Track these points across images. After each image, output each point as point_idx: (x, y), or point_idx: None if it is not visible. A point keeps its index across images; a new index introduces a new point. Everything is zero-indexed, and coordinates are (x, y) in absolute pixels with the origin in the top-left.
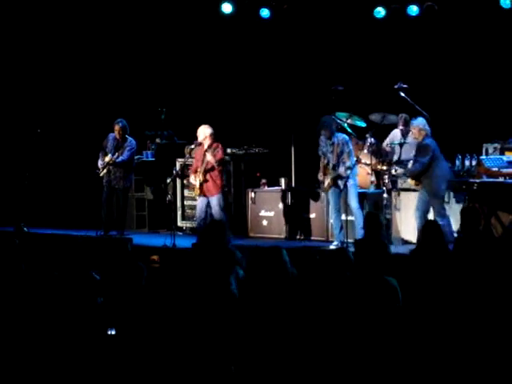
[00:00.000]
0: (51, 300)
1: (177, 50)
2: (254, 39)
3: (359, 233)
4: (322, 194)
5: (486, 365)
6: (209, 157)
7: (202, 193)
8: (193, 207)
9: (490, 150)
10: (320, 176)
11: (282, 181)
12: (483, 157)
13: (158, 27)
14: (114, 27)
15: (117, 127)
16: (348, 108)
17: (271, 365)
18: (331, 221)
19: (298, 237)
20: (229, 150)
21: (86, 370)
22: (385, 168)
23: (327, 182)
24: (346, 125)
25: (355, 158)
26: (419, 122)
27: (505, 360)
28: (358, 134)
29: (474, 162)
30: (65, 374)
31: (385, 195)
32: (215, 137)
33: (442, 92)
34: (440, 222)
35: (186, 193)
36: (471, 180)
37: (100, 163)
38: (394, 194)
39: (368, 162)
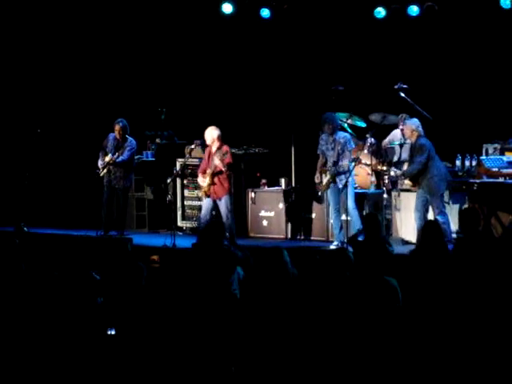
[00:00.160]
0: (51, 300)
1: (177, 50)
2: (254, 39)
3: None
4: (323, 195)
5: (486, 365)
6: (216, 161)
7: (210, 194)
8: (193, 207)
9: (490, 151)
10: (316, 178)
11: (282, 181)
12: (483, 157)
13: (158, 27)
14: (114, 27)
15: (117, 127)
16: (348, 108)
17: (271, 365)
18: (331, 221)
19: (298, 237)
20: None
21: (85, 370)
22: (385, 168)
23: (326, 180)
24: (346, 125)
25: (353, 163)
26: (412, 123)
27: (505, 360)
28: (358, 135)
29: (474, 163)
30: (65, 373)
31: (385, 195)
32: (222, 138)
33: (442, 92)
34: (441, 220)
35: (186, 193)
36: (471, 180)
37: (100, 163)
38: (394, 194)
39: (368, 162)
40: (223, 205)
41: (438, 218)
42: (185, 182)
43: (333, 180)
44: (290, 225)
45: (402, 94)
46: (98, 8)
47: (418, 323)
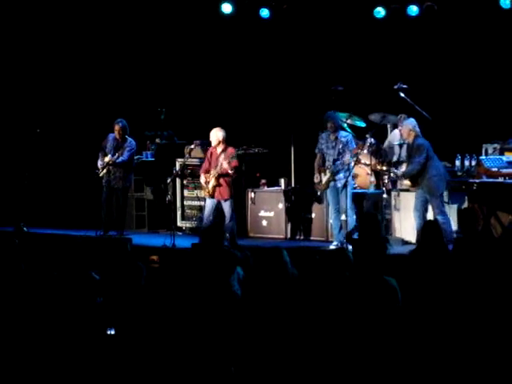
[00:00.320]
0: (51, 300)
1: (177, 50)
2: (254, 39)
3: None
4: (322, 195)
5: (486, 365)
6: (225, 165)
7: (214, 195)
8: (192, 207)
9: (490, 151)
10: (316, 178)
11: (282, 181)
12: (483, 157)
13: (158, 27)
14: (113, 27)
15: (117, 127)
16: (348, 108)
17: (271, 365)
18: (331, 221)
19: (297, 237)
20: None
21: (85, 370)
22: (384, 168)
23: (326, 178)
24: (345, 125)
25: (355, 158)
26: (409, 123)
27: (504, 360)
28: (358, 135)
29: (473, 163)
30: (64, 373)
31: (384, 195)
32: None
33: (442, 92)
34: (441, 220)
35: (186, 193)
36: (471, 180)
37: (99, 163)
38: (393, 194)
39: (368, 162)
40: (228, 206)
41: (439, 217)
42: (184, 182)
43: (333, 178)
44: (289, 225)
45: (402, 94)
46: (98, 8)
47: (417, 323)
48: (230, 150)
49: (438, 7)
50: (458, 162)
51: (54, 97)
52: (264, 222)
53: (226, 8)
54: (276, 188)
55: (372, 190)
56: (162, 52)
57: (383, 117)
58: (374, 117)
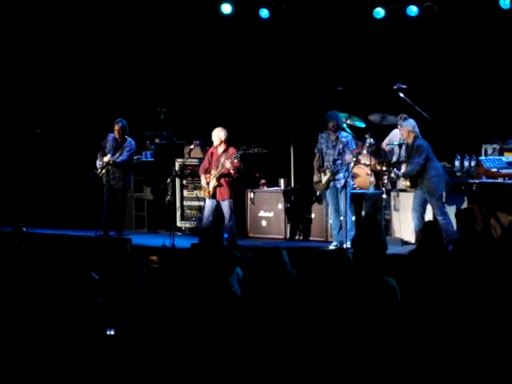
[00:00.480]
0: (50, 300)
1: (176, 50)
2: (254, 39)
3: (350, 234)
4: (322, 195)
5: (486, 365)
6: (228, 164)
7: (214, 195)
8: (192, 207)
9: (490, 151)
10: (316, 176)
11: (282, 181)
12: (482, 157)
13: (157, 27)
14: (113, 27)
15: (116, 127)
16: (347, 108)
17: (270, 365)
18: (330, 221)
19: (297, 237)
20: None
21: (85, 370)
22: (384, 169)
23: (325, 178)
24: (345, 125)
25: (355, 159)
26: (408, 124)
27: (504, 360)
28: (358, 135)
29: (473, 163)
30: (64, 373)
31: (384, 196)
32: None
33: (442, 93)
34: (443, 221)
35: (186, 193)
36: (470, 181)
37: (98, 163)
38: (393, 194)
39: (367, 162)
40: (227, 206)
41: (440, 218)
42: (184, 182)
43: (333, 178)
44: (289, 225)
45: (402, 95)
46: (98, 8)
47: (416, 323)
48: (232, 150)
49: (437, 7)
50: (457, 163)
51: (54, 97)
52: (263, 223)
53: (226, 8)
54: (275, 188)
55: (371, 190)
56: (162, 52)
57: (383, 117)
58: (374, 117)
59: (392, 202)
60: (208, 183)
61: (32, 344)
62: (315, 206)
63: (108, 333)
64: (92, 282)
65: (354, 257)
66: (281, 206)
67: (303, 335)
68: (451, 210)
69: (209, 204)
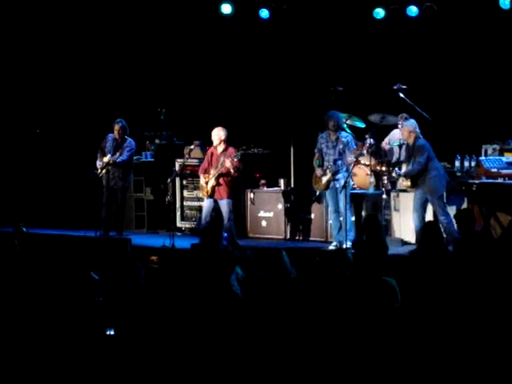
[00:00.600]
0: (50, 300)
1: (176, 50)
2: (254, 40)
3: (349, 234)
4: (321, 195)
5: (486, 365)
6: (228, 163)
7: (212, 195)
8: (192, 208)
9: (490, 151)
10: (318, 172)
11: (282, 181)
12: (482, 158)
13: (157, 27)
14: (113, 27)
15: (116, 127)
16: (347, 109)
17: (270, 365)
18: (330, 222)
19: (297, 237)
20: None
21: (84, 370)
22: (384, 169)
23: (326, 178)
24: (345, 125)
25: (355, 159)
26: (409, 124)
27: (504, 360)
28: (358, 135)
29: (473, 163)
30: (64, 373)
31: (384, 196)
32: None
33: (442, 93)
34: (445, 221)
35: (186, 193)
36: (470, 181)
37: (98, 164)
38: (393, 195)
39: (367, 162)
40: (225, 206)
41: (442, 218)
42: (184, 182)
43: (333, 178)
44: (289, 225)
45: (401, 95)
46: (98, 8)
47: (417, 324)
48: (231, 150)
49: (437, 8)
50: (457, 163)
51: (54, 97)
52: (263, 223)
53: (226, 8)
54: (275, 188)
55: (371, 190)
56: (162, 52)
57: (383, 117)
58: (374, 117)
59: (392, 203)
60: (207, 182)
61: (32, 344)
62: (315, 207)
63: (108, 333)
64: (92, 282)
65: (355, 258)
66: (281, 206)
67: (303, 335)
68: (451, 210)
69: (207, 204)
